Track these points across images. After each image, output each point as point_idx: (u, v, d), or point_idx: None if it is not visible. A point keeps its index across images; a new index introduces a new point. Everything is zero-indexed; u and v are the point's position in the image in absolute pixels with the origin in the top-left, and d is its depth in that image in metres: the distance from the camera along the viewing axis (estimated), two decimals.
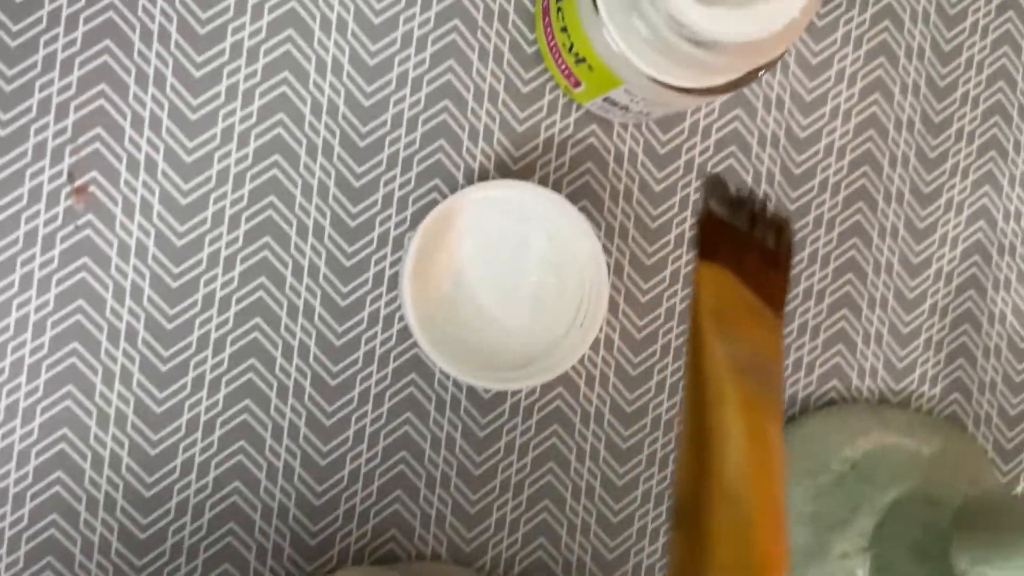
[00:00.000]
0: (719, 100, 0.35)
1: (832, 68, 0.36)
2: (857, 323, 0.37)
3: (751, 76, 0.28)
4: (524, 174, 0.34)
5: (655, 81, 0.28)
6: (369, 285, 0.34)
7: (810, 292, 0.37)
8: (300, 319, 0.33)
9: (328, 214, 0.33)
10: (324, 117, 0.33)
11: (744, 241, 0.26)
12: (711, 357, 0.23)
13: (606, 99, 0.31)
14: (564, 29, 0.31)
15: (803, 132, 0.36)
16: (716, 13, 0.25)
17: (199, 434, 0.32)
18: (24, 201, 0.31)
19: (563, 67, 0.32)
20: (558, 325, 0.34)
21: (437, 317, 0.33)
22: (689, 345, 0.24)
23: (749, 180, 0.36)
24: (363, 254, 0.33)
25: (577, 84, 0.32)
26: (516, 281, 0.33)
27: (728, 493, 0.21)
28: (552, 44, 0.32)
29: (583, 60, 0.30)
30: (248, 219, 0.32)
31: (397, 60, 0.33)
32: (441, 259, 0.33)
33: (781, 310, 0.25)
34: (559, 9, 0.30)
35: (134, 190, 0.31)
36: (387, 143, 0.33)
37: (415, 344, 0.34)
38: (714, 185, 0.27)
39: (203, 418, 0.32)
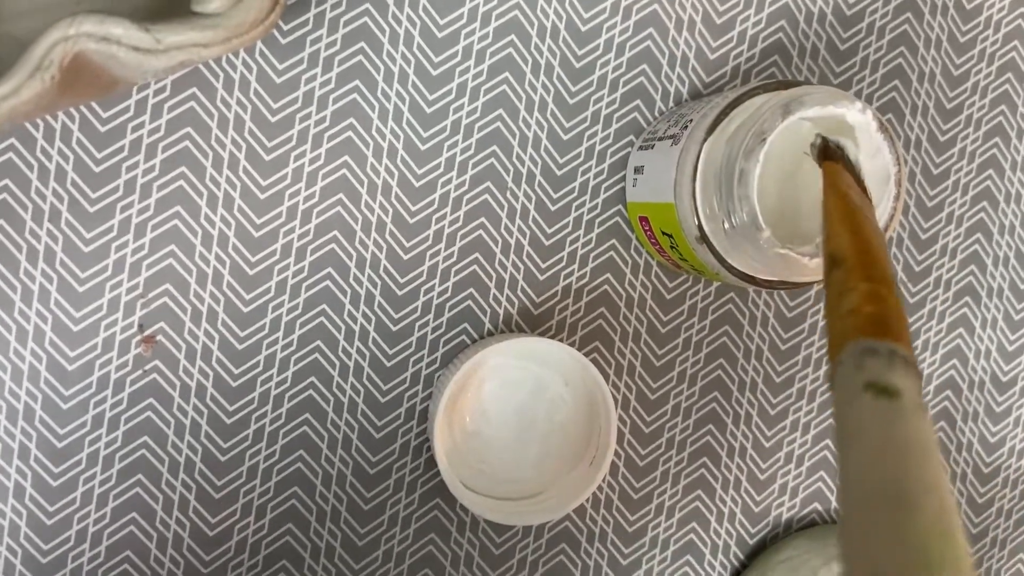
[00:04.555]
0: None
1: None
2: None
3: None
4: (544, 318, 0.38)
5: (746, 277, 0.32)
6: (402, 419, 0.37)
7: (797, 424, 0.41)
8: (339, 450, 0.37)
9: (367, 356, 0.37)
10: (367, 270, 0.36)
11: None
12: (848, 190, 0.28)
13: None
14: (674, 247, 0.34)
15: None
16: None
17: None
18: (98, 350, 0.34)
19: (668, 260, 0.36)
20: (570, 461, 0.37)
21: (460, 449, 0.37)
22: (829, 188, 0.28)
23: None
24: (397, 391, 0.37)
25: (677, 267, 0.36)
26: (532, 419, 0.37)
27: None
28: (658, 248, 0.36)
29: (686, 260, 0.34)
30: (296, 362, 0.36)
31: (434, 218, 0.37)
32: (467, 398, 0.37)
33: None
34: (669, 236, 0.34)
35: (196, 338, 0.35)
36: (422, 292, 0.37)
37: (440, 473, 0.37)
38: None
39: (252, 523, 0.36)
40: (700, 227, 0.32)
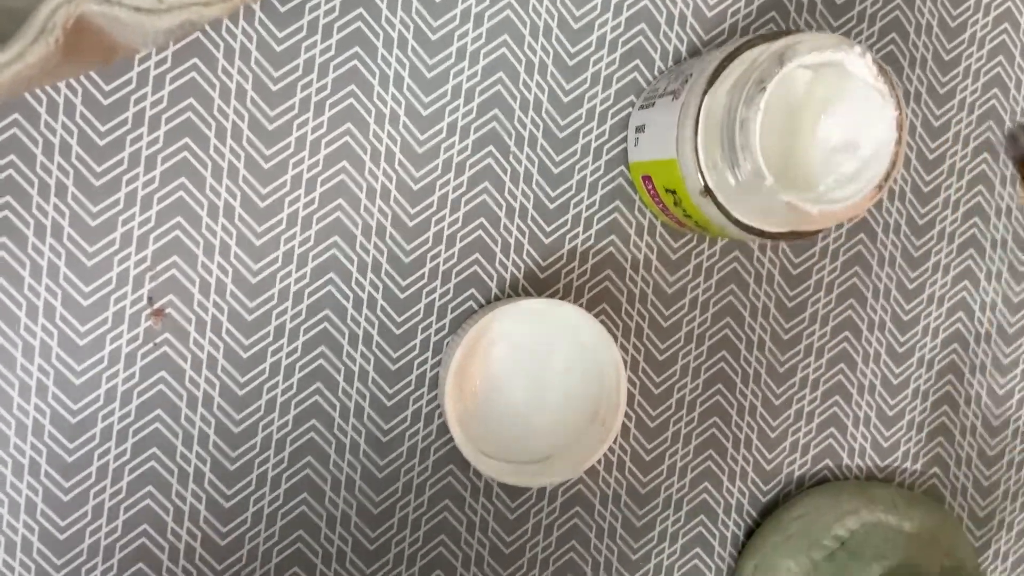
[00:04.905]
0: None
1: None
2: (848, 408, 0.41)
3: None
4: (550, 282, 0.38)
5: (751, 230, 0.32)
6: (412, 386, 0.37)
7: (806, 381, 0.41)
8: (351, 419, 0.37)
9: (376, 324, 0.37)
10: (373, 238, 0.36)
11: None
12: None
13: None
14: (677, 203, 0.35)
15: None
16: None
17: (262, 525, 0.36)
18: (109, 323, 0.34)
19: (672, 219, 0.36)
20: (579, 422, 0.37)
21: (472, 414, 0.37)
22: None
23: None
24: (407, 358, 0.37)
25: (681, 224, 0.36)
26: (542, 382, 0.37)
27: None
28: (661, 207, 0.36)
29: (690, 217, 0.34)
30: (306, 331, 0.36)
31: (438, 184, 0.37)
32: (476, 363, 0.37)
33: None
34: (673, 193, 0.34)
35: (206, 310, 0.35)
36: (428, 258, 0.37)
37: (452, 439, 0.37)
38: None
39: (267, 511, 0.36)
40: (703, 180, 0.32)
